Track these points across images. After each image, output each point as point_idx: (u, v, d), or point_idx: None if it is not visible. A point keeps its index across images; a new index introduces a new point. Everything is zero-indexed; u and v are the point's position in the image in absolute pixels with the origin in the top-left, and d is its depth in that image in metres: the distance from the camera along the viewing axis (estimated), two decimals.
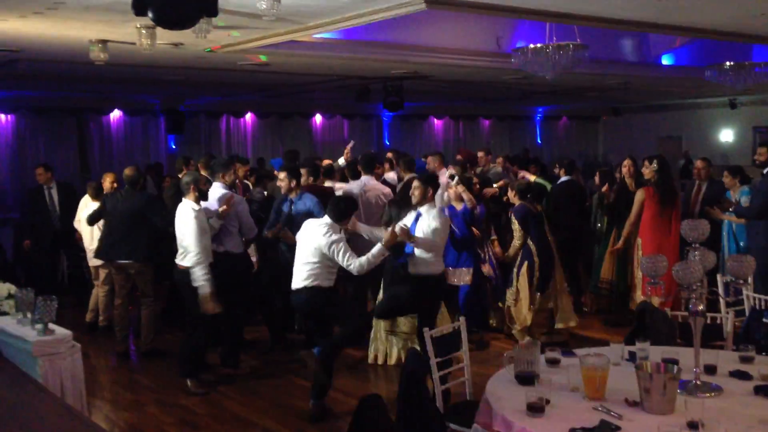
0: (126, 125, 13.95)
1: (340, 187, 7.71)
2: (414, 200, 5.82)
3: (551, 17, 6.68)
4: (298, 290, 5.63)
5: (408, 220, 5.86)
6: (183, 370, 6.19)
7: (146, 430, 5.42)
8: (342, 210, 5.62)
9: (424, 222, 5.70)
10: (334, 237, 5.48)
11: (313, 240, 5.55)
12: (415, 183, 5.87)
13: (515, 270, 7.08)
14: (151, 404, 5.94)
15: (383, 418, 3.27)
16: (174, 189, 7.80)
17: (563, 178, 8.51)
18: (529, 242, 6.98)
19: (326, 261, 5.55)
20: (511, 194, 7.30)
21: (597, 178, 8.54)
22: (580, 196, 8.52)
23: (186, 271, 5.95)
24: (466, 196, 6.93)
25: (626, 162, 8.05)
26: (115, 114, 13.77)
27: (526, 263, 7.00)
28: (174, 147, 14.44)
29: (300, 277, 5.62)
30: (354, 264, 5.46)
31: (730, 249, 7.60)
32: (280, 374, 6.59)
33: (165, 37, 6.54)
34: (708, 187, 8.09)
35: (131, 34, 6.34)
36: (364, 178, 7.74)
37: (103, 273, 7.85)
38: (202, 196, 6.13)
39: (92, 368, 6.80)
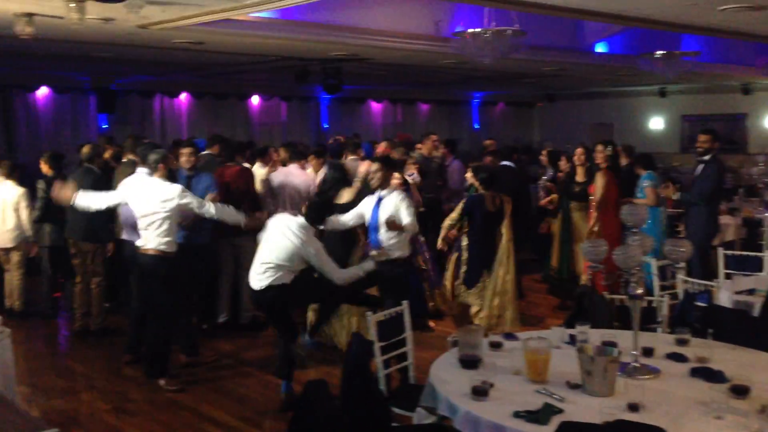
0: (54, 103, 13.39)
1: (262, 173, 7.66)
2: (375, 184, 5.72)
3: (489, 2, 6.71)
4: (263, 290, 5.32)
5: (367, 206, 5.77)
6: (152, 370, 5.82)
7: (80, 418, 5.25)
8: (319, 213, 5.42)
9: (389, 205, 5.60)
10: (315, 245, 5.27)
11: (288, 241, 5.27)
12: (375, 166, 5.77)
13: (448, 256, 7.02)
14: (85, 390, 5.76)
15: (328, 403, 3.23)
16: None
17: (503, 163, 8.60)
18: (464, 234, 6.78)
19: (297, 262, 5.32)
20: (470, 177, 6.98)
21: (545, 158, 8.67)
22: (517, 182, 8.59)
23: (153, 256, 5.63)
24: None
25: (579, 150, 8.09)
26: (43, 91, 13.20)
27: (456, 254, 6.90)
28: (105, 126, 13.96)
29: (263, 277, 5.32)
30: (340, 275, 5.33)
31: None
32: (221, 362, 6.47)
33: (95, 11, 6.28)
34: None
35: (59, 7, 6.06)
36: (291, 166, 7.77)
37: (16, 256, 7.67)
38: (171, 176, 5.80)
39: (19, 355, 6.55)
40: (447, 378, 3.48)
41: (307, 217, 5.34)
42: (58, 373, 6.21)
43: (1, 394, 3.63)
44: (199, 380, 5.96)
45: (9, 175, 7.71)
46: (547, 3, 6.81)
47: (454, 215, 6.79)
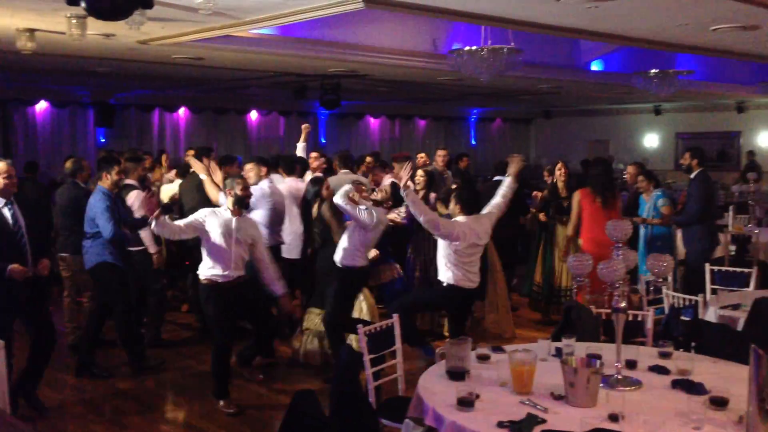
0: (53, 117, 13.53)
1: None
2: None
3: (486, 20, 6.82)
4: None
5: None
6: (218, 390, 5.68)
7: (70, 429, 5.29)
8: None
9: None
10: None
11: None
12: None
13: None
14: (78, 404, 5.79)
15: (317, 413, 3.29)
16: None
17: (497, 178, 8.67)
18: None
19: None
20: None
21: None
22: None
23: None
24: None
25: (559, 165, 8.21)
26: (42, 105, 13.34)
27: None
28: (103, 140, 14.08)
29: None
30: None
31: (644, 253, 7.80)
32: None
33: (96, 27, 6.40)
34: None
35: (61, 23, 6.18)
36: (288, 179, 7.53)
37: None
38: (239, 201, 5.51)
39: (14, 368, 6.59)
40: (434, 389, 3.53)
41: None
42: (50, 385, 6.23)
43: None
44: (178, 391, 6.01)
45: None
46: (542, 22, 6.93)
47: None
